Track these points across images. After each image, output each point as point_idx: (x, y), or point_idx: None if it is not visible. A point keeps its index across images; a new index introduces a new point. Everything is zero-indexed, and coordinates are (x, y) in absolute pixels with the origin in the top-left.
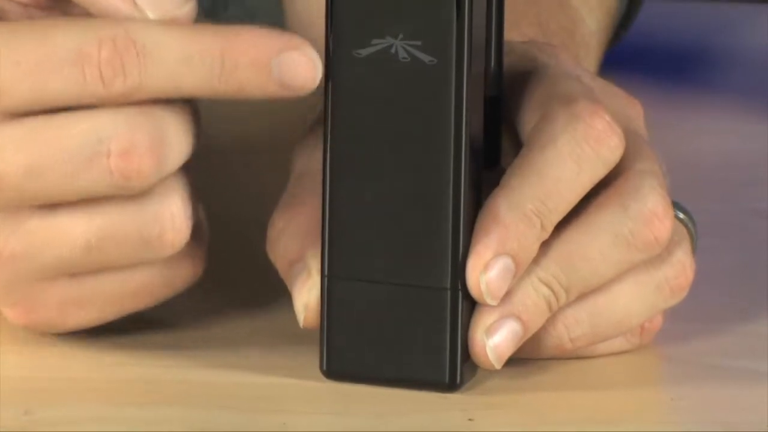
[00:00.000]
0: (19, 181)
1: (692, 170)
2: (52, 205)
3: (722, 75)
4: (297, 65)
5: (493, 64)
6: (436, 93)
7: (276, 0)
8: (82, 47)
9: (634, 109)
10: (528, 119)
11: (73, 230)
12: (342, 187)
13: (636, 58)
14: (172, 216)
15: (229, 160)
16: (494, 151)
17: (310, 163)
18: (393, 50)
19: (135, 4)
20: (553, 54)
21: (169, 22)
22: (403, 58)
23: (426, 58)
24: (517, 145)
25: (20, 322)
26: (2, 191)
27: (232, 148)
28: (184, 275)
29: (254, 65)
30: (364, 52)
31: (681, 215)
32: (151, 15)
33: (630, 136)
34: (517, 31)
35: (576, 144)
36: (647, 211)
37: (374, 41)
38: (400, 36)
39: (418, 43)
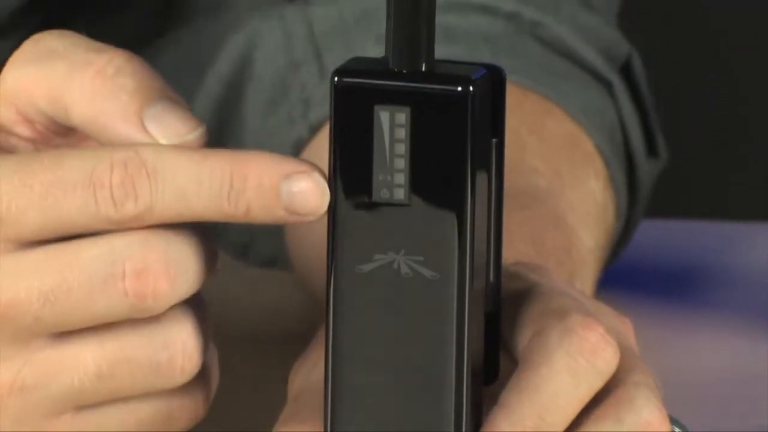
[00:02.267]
0: (34, 308)
1: (689, 387)
2: (64, 333)
3: (720, 294)
4: (305, 191)
5: (492, 279)
6: (438, 308)
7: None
8: (94, 170)
9: (624, 326)
10: (522, 336)
11: (85, 357)
12: (343, 408)
13: (633, 276)
14: (184, 342)
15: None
16: (493, 366)
17: (309, 379)
18: (395, 265)
19: (146, 130)
20: (545, 274)
21: (179, 146)
22: (406, 273)
23: (428, 273)
24: (512, 363)
25: None
26: (18, 319)
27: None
28: (188, 412)
29: (263, 188)
30: (366, 267)
31: (677, 430)
32: (162, 141)
33: (623, 351)
34: (511, 248)
35: (571, 358)
36: (643, 421)
37: (376, 257)
38: (403, 251)
39: (421, 258)
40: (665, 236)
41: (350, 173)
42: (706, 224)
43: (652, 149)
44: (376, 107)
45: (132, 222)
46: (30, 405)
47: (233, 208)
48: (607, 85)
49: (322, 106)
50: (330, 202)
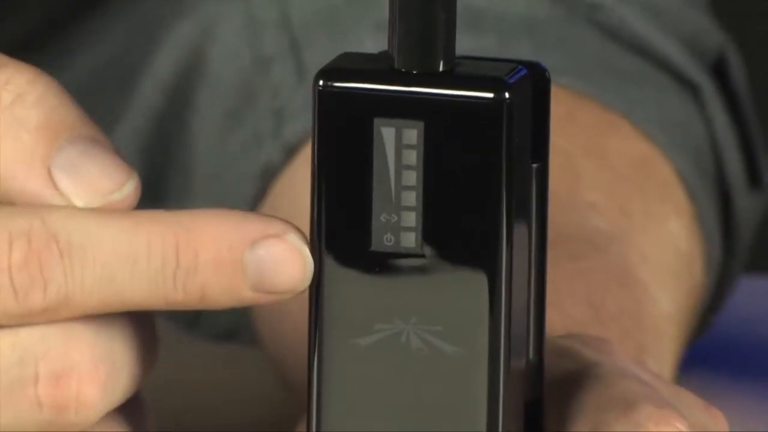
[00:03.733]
0: None
1: None
2: None
3: None
4: (279, 261)
5: (532, 357)
6: (462, 395)
7: None
8: None
9: (715, 421)
10: None
11: None
12: None
13: (728, 352)
14: None
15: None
16: None
17: None
18: (404, 338)
19: (55, 186)
20: (604, 349)
21: (103, 210)
22: (418, 348)
23: (449, 348)
24: None
25: None
26: None
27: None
28: None
29: (221, 264)
30: (365, 341)
31: None
32: (78, 202)
33: None
34: (560, 314)
35: None
36: None
37: (378, 327)
38: (414, 320)
39: (438, 328)
40: None
41: (341, 212)
42: None
43: (754, 178)
44: (377, 121)
45: (41, 317)
46: None
47: (182, 293)
48: (693, 90)
49: (300, 118)
50: (315, 254)
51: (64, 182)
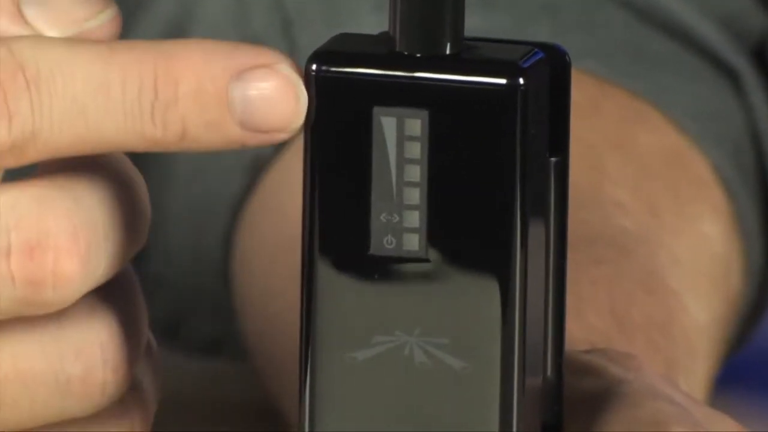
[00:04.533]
0: None
1: None
2: None
3: None
4: (270, 93)
5: (550, 373)
6: (471, 414)
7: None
8: None
9: None
10: None
11: None
12: None
13: None
14: (103, 348)
15: None
16: None
17: None
18: (406, 351)
19: (24, 20)
20: (631, 366)
21: (75, 39)
22: (421, 363)
23: (456, 363)
24: None
25: None
26: None
27: None
28: None
29: (203, 95)
30: (362, 354)
31: None
32: (50, 32)
33: None
34: (581, 324)
35: None
36: None
37: (377, 339)
38: (417, 331)
39: (444, 341)
40: None
41: (337, 212)
42: None
43: None
44: (377, 110)
45: (7, 157)
46: None
47: (161, 129)
48: (733, 76)
49: None
50: (304, 259)
51: (32, 13)
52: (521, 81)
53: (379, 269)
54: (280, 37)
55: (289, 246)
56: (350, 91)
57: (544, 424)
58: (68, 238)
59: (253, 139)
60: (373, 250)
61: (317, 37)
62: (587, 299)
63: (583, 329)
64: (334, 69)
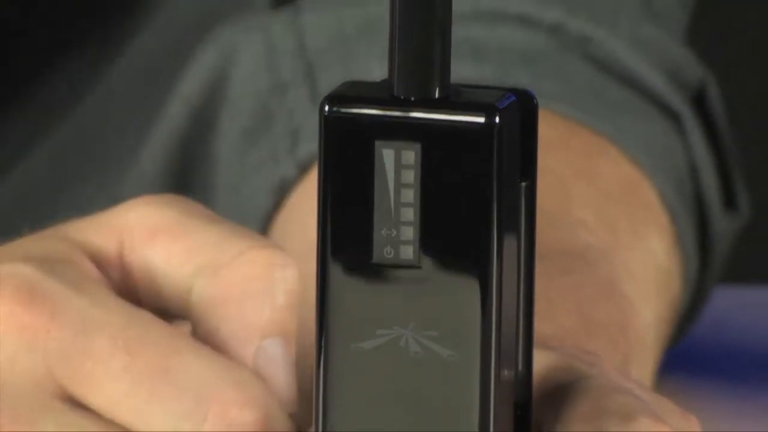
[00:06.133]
0: None
1: None
2: None
3: None
4: None
5: (521, 361)
6: (457, 395)
7: None
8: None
9: (690, 426)
10: None
11: None
12: None
13: (702, 358)
14: None
15: None
16: None
17: None
18: (403, 342)
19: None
20: (594, 362)
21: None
22: (416, 352)
23: (444, 352)
24: None
25: None
26: None
27: None
28: None
29: None
30: (367, 345)
31: None
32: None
33: None
34: (552, 323)
35: None
36: None
37: (379, 332)
38: (412, 325)
39: (434, 333)
40: (745, 307)
41: (345, 227)
42: None
43: (730, 201)
44: (378, 143)
45: None
46: None
47: None
48: (675, 118)
49: (313, 139)
50: (319, 264)
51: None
52: (497, 120)
53: (380, 274)
54: (303, 81)
55: (309, 255)
56: (356, 127)
57: (517, 403)
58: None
59: None
60: (375, 258)
61: (334, 80)
62: (557, 303)
63: (554, 327)
64: (343, 110)
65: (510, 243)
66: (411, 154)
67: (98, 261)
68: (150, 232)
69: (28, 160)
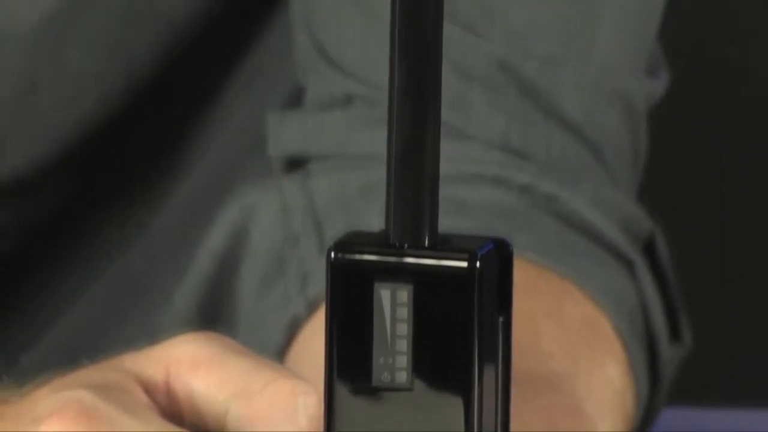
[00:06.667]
0: None
1: None
2: None
3: None
4: None
5: None
6: None
7: None
8: None
9: None
10: None
11: None
12: None
13: None
14: None
15: None
16: None
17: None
18: None
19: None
20: None
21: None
22: None
23: None
24: None
25: None
26: None
27: None
28: None
29: None
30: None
31: None
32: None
33: None
34: None
35: None
36: None
37: None
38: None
39: None
40: (688, 426)
41: (349, 356)
42: (732, 413)
43: (675, 334)
44: (377, 284)
45: None
46: None
47: None
48: (629, 266)
49: (321, 282)
50: (326, 388)
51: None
52: (478, 265)
53: (378, 396)
54: (312, 234)
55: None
56: (358, 271)
57: None
58: None
59: None
60: (374, 383)
61: (340, 233)
62: (529, 421)
63: None
64: (347, 256)
65: (489, 370)
66: (405, 294)
67: (148, 389)
68: (192, 364)
69: (83, 301)
